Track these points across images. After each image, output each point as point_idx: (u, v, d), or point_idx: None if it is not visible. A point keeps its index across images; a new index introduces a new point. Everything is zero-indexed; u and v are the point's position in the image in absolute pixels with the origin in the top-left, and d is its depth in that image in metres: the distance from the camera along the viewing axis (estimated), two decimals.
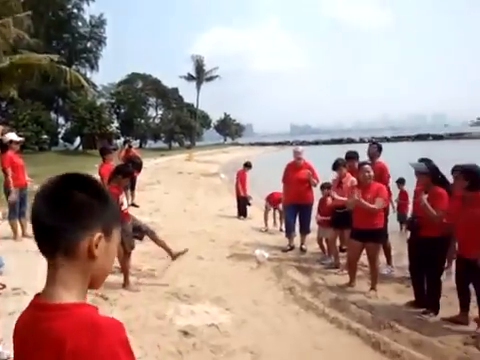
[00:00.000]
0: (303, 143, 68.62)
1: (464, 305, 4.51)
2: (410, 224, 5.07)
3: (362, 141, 64.75)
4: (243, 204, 10.63)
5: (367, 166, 5.52)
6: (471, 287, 4.45)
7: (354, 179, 6.16)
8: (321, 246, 7.01)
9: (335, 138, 76.98)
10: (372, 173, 5.45)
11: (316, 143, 65.10)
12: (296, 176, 7.41)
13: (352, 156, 6.84)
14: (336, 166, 6.57)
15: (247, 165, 11.03)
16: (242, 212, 10.60)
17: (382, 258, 6.12)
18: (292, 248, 7.45)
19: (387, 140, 60.89)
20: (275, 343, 3.92)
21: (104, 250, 1.00)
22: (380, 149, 6.63)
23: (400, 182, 8.20)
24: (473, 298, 4.42)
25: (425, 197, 4.66)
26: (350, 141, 69.71)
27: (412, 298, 5.05)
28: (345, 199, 5.96)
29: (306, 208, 7.35)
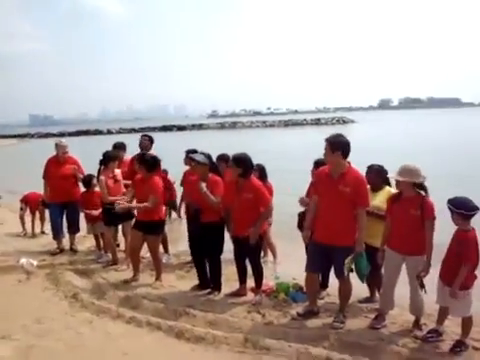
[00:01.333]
0: (47, 135, 62.92)
1: (242, 280, 5.04)
2: (191, 212, 5.27)
3: (110, 132, 63.97)
4: None
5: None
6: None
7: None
8: (97, 243, 6.60)
9: (81, 129, 73.17)
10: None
11: (61, 135, 60.54)
12: (60, 172, 6.76)
13: (120, 147, 6.75)
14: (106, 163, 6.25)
15: None
16: None
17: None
18: (62, 250, 6.82)
19: (135, 131, 61.98)
20: None
21: None
22: (152, 141, 6.72)
23: (165, 172, 8.48)
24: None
25: (204, 185, 4.93)
26: (98, 132, 67.96)
27: (195, 282, 5.32)
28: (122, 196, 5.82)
29: (73, 206, 6.79)
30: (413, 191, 3.89)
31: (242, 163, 4.74)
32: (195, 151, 5.90)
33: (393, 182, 4.26)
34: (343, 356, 3.52)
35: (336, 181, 4.04)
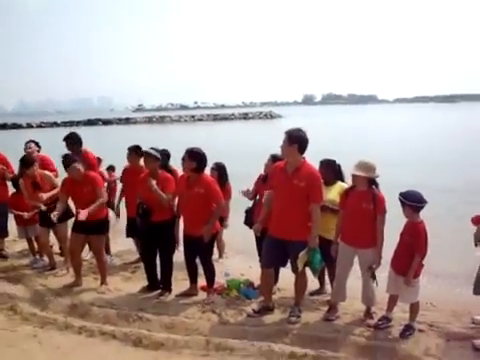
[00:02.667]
0: None
1: (193, 279, 4.92)
2: (140, 210, 5.01)
3: (30, 126, 59.65)
4: None
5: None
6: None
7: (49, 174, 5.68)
8: (31, 247, 6.10)
9: None
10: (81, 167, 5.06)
11: None
12: None
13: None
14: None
15: None
16: None
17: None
18: None
19: (57, 125, 58.26)
20: None
21: None
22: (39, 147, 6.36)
23: (111, 169, 8.07)
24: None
25: (154, 182, 4.73)
26: (17, 126, 62.74)
27: (142, 283, 5.12)
28: (52, 193, 5.43)
29: (1, 208, 6.19)
30: (366, 186, 4.02)
31: (198, 157, 4.61)
32: (139, 147, 5.66)
33: (347, 176, 4.38)
34: (306, 350, 3.57)
35: (291, 176, 4.06)
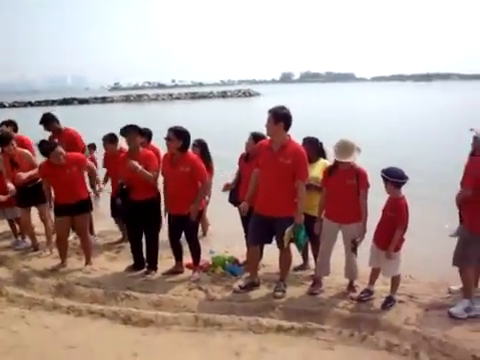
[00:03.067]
0: None
1: (178, 256, 4.97)
2: (121, 190, 5.00)
3: (2, 106, 57.71)
4: None
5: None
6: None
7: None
8: (13, 229, 6.01)
9: None
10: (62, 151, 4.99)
11: None
12: None
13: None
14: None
15: None
16: None
17: None
18: None
19: (31, 105, 56.49)
20: None
21: None
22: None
23: (92, 147, 7.96)
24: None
25: (136, 163, 4.69)
26: None
27: (127, 263, 5.15)
28: (31, 173, 5.32)
29: None
30: (349, 164, 4.10)
31: (183, 136, 4.59)
32: (113, 135, 5.70)
33: (329, 154, 4.46)
34: (292, 323, 3.67)
35: (277, 154, 4.09)
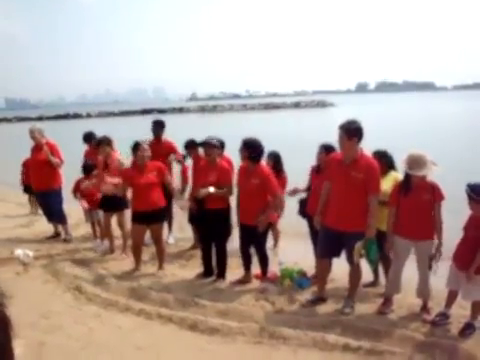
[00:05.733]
0: (25, 119, 60.82)
1: (247, 266, 5.01)
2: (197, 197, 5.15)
3: (89, 116, 62.18)
4: None
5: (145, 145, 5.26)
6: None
7: (121, 159, 5.87)
8: (94, 231, 6.45)
9: (60, 113, 70.37)
10: (149, 152, 5.25)
11: (40, 119, 58.35)
12: (36, 158, 6.42)
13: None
14: (99, 143, 6.03)
15: None
16: None
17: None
18: (58, 235, 6.78)
19: (114, 115, 60.60)
20: (91, 358, 3.38)
21: None
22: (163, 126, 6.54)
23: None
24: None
25: (211, 189, 4.80)
26: (77, 116, 65.77)
27: (197, 270, 5.27)
28: (117, 181, 5.61)
29: (49, 195, 6.48)
30: (423, 178, 3.90)
31: (251, 147, 4.65)
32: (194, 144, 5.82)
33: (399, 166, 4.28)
34: (360, 343, 3.53)
35: (349, 167, 4.00)
